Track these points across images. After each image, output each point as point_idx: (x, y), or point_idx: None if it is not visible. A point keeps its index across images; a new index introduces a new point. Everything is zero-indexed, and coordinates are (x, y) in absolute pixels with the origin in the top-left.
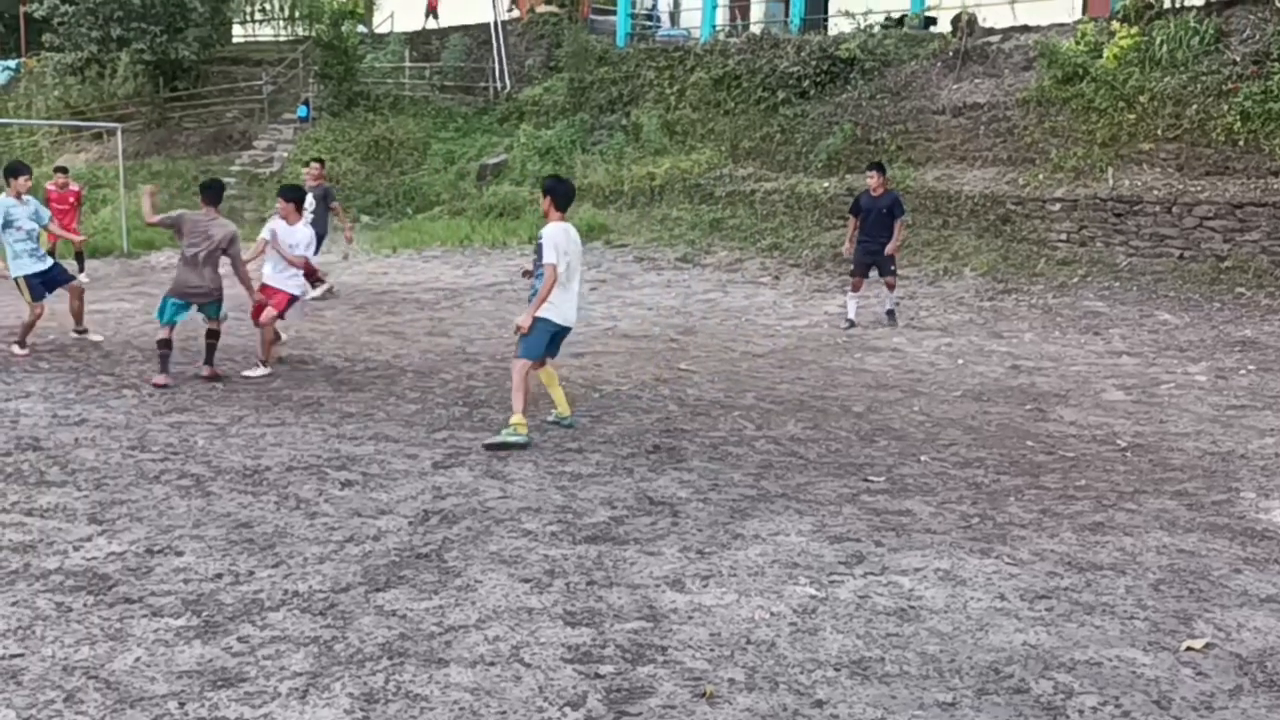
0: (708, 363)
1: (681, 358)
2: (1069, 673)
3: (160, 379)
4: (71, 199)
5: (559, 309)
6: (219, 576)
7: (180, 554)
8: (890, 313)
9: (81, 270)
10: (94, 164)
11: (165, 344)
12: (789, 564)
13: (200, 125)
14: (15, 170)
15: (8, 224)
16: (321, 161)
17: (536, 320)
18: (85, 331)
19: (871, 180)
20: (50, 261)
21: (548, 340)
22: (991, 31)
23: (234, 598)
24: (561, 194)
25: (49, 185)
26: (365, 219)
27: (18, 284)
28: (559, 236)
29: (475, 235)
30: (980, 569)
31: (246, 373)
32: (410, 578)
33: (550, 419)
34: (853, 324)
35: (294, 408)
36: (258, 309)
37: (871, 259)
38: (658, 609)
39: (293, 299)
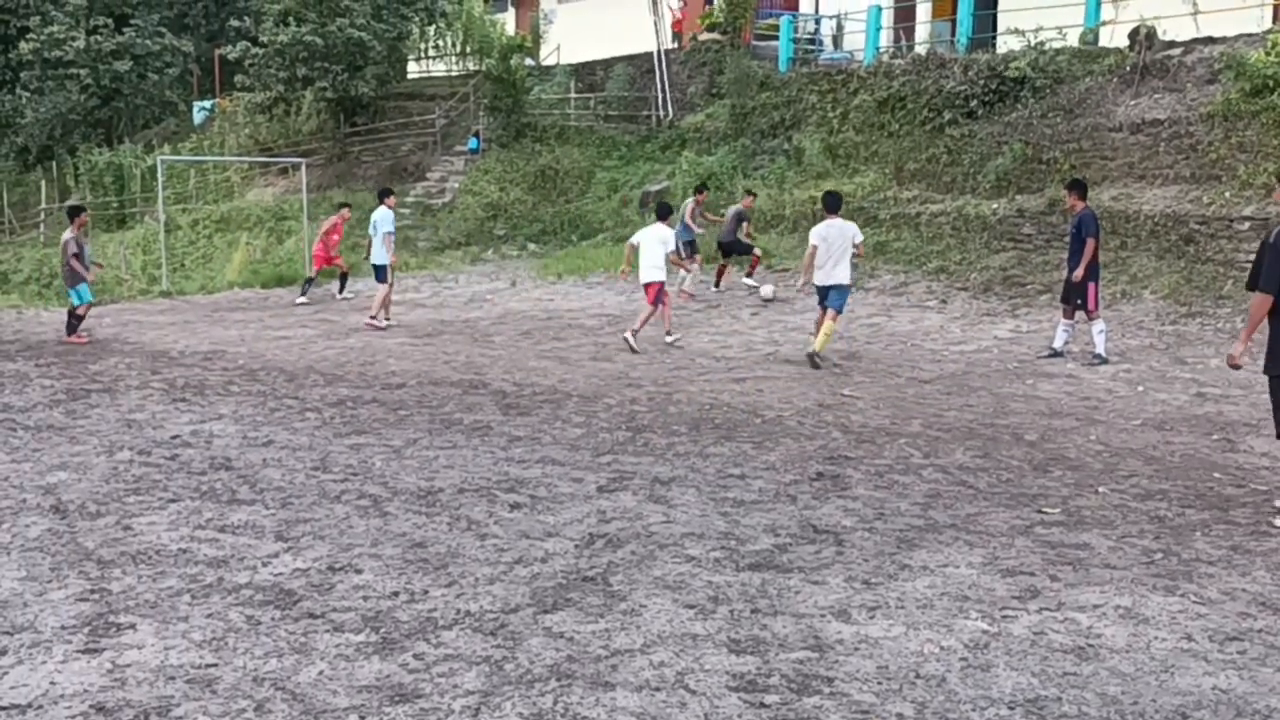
0: (872, 388)
1: (845, 383)
2: None
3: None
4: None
5: (820, 276)
6: (395, 594)
7: (360, 572)
8: (1096, 354)
9: (343, 289)
10: (280, 197)
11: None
12: (959, 597)
13: (377, 158)
14: (389, 191)
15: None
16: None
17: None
18: (376, 322)
19: (1066, 200)
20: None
21: (820, 294)
22: (1172, 44)
23: (410, 615)
24: (826, 201)
25: (335, 218)
26: (532, 246)
27: (378, 269)
28: (821, 229)
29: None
30: (1164, 607)
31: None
32: (577, 600)
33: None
34: (1055, 353)
35: (465, 431)
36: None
37: (1067, 284)
38: (823, 639)
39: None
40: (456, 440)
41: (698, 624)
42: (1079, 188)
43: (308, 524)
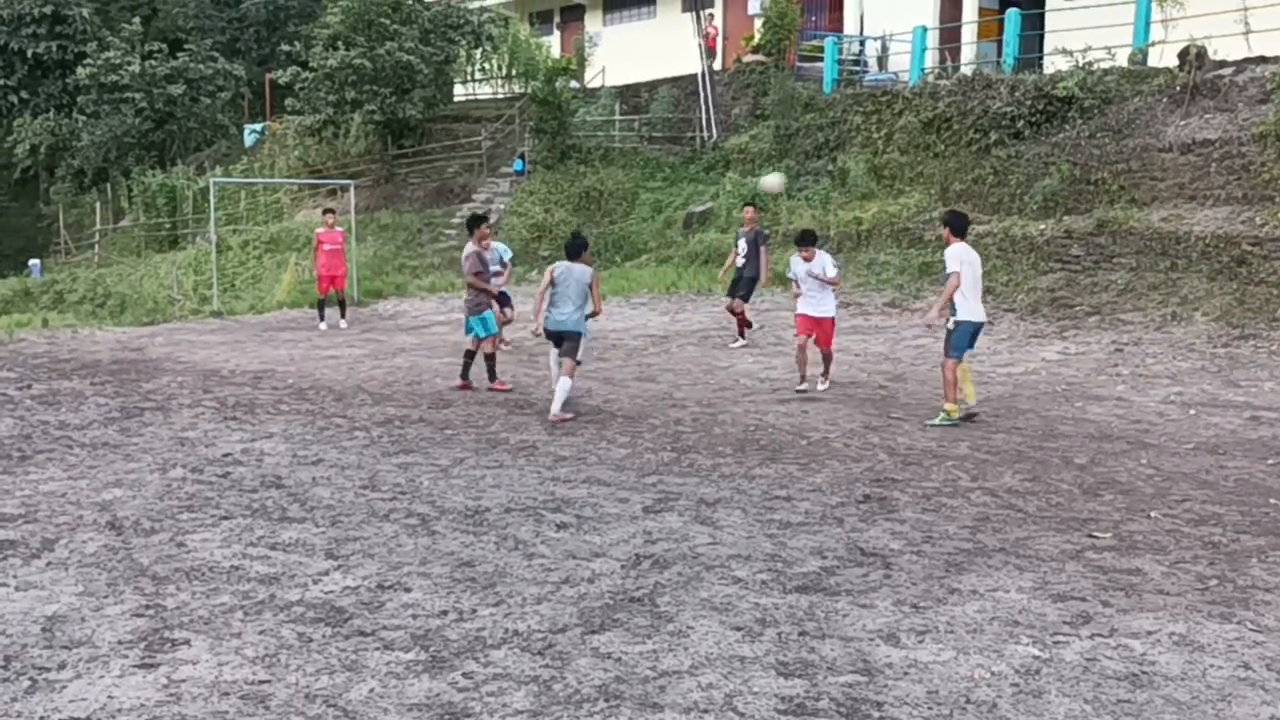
0: (918, 410)
1: (891, 405)
2: None
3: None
4: (339, 239)
5: (972, 309)
6: (444, 613)
7: (409, 590)
8: None
9: (344, 316)
10: None
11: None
12: (1009, 622)
13: (424, 180)
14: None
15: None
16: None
17: (961, 323)
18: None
19: None
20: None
21: (969, 337)
22: (1223, 64)
23: (458, 634)
24: (957, 224)
25: (319, 229)
26: None
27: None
28: (961, 253)
29: (682, 282)
30: (1220, 635)
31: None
32: (624, 621)
33: (935, 422)
34: None
35: (511, 451)
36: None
37: None
38: (872, 663)
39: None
40: (503, 460)
41: (745, 646)
42: None
43: (357, 542)
